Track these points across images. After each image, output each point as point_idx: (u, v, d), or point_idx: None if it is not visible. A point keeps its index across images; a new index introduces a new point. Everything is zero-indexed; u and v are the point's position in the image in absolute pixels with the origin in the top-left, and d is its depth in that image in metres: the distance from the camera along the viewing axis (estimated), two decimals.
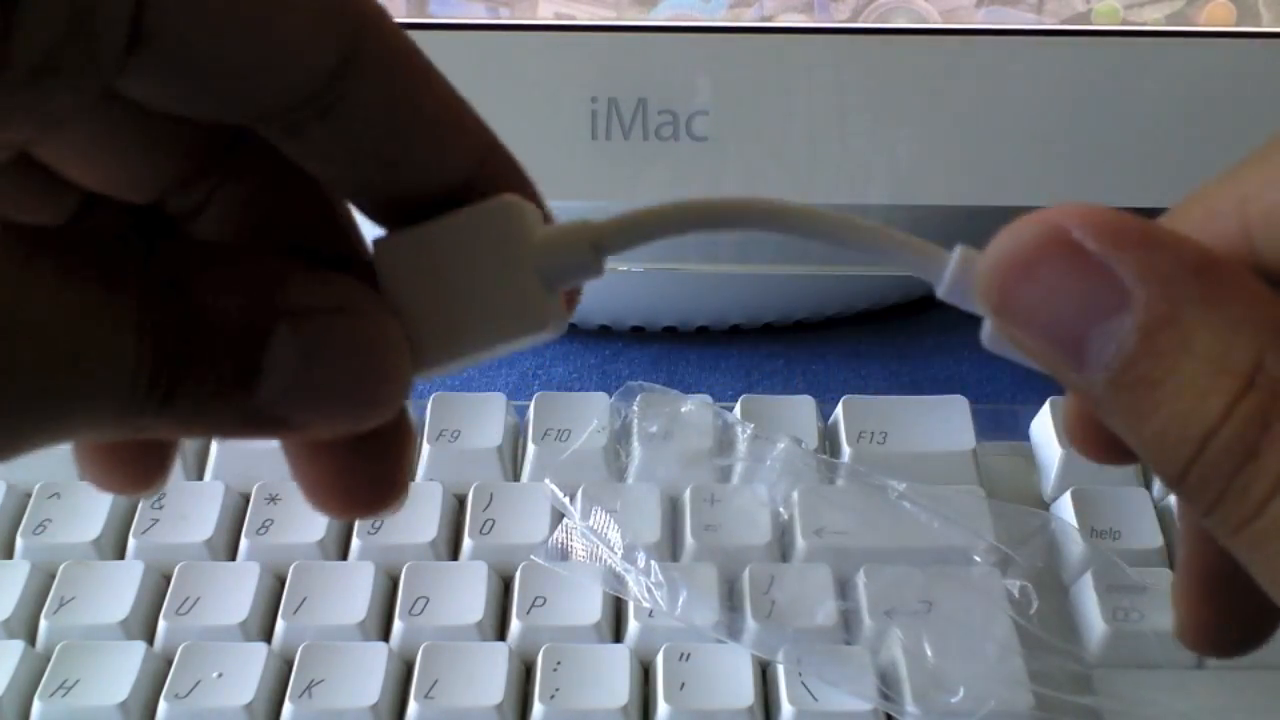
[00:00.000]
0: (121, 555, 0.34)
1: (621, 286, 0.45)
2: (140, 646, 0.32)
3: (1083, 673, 0.32)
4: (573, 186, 0.36)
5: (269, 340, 0.17)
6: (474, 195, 0.19)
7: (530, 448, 0.36)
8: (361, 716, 0.30)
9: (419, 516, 0.35)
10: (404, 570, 0.33)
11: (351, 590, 0.33)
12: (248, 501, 0.35)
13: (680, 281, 0.45)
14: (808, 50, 0.35)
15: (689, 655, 0.31)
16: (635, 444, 0.36)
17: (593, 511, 0.34)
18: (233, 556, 0.34)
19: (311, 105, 0.17)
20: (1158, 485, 0.36)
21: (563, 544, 0.34)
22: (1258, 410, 0.16)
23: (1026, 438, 0.38)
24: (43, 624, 0.33)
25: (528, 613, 0.32)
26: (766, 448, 0.36)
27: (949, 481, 0.35)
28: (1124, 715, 0.31)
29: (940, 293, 0.19)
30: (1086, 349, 0.17)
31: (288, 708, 0.30)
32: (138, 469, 0.20)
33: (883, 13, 0.35)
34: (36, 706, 0.31)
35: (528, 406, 0.37)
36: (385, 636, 0.33)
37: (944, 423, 0.37)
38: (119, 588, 0.33)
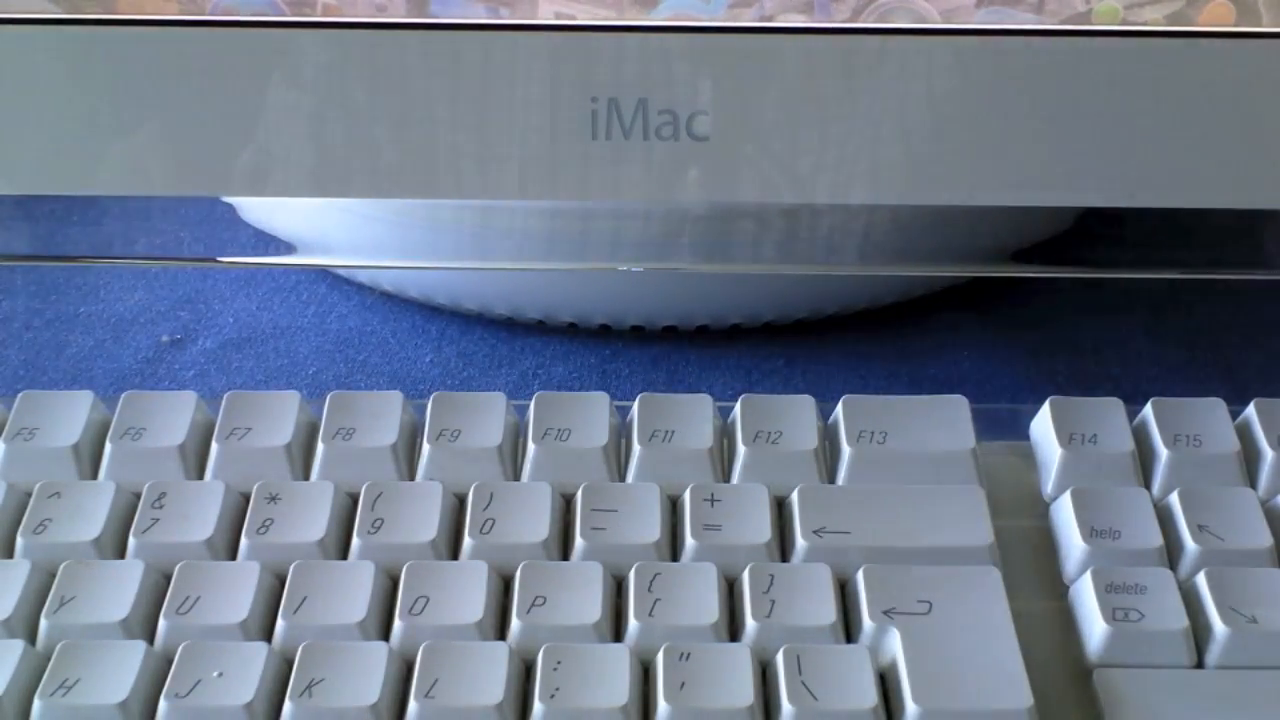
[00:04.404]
0: (122, 554, 0.34)
1: (621, 286, 0.45)
2: (140, 646, 0.32)
3: (1083, 672, 0.32)
4: (573, 186, 0.36)
5: None
6: None
7: (530, 447, 0.36)
8: (361, 716, 0.30)
9: (419, 516, 0.35)
10: (404, 570, 0.33)
11: (351, 590, 0.33)
12: (248, 501, 0.35)
13: (680, 281, 0.45)
14: (808, 50, 0.35)
15: (689, 655, 0.31)
16: (635, 444, 0.36)
17: (592, 513, 0.34)
18: (233, 556, 0.34)
19: None
20: (1158, 485, 0.36)
21: (562, 543, 0.34)
22: None
23: (1026, 438, 0.38)
24: (43, 623, 0.33)
25: (528, 612, 0.32)
26: (767, 448, 0.36)
27: (949, 481, 0.35)
28: (1124, 715, 0.31)
29: None
30: None
31: (288, 707, 0.31)
32: None
33: (883, 13, 0.35)
34: (36, 706, 0.31)
35: (528, 406, 0.37)
36: (385, 636, 0.33)
37: (944, 423, 0.37)
38: (119, 587, 0.33)
